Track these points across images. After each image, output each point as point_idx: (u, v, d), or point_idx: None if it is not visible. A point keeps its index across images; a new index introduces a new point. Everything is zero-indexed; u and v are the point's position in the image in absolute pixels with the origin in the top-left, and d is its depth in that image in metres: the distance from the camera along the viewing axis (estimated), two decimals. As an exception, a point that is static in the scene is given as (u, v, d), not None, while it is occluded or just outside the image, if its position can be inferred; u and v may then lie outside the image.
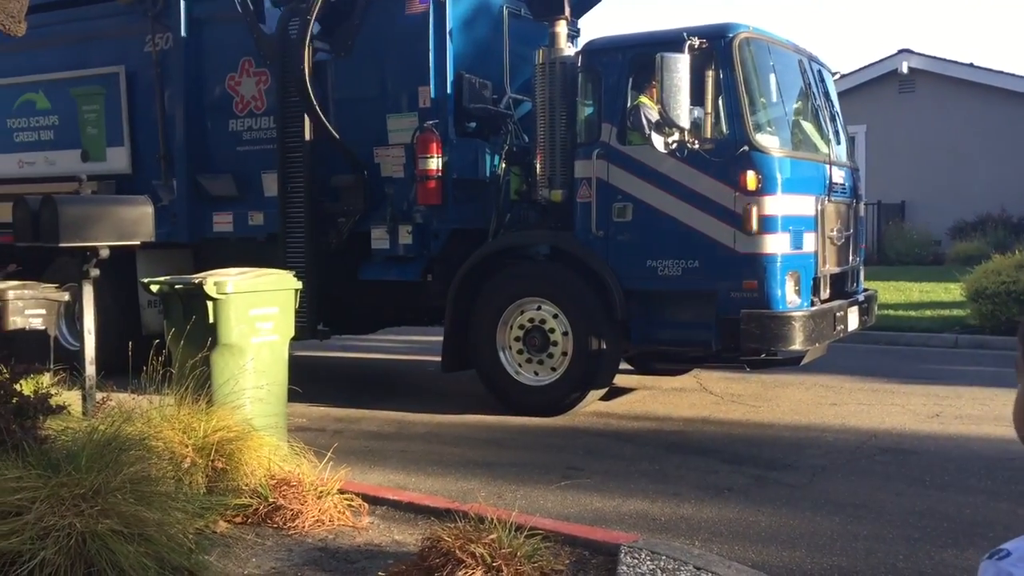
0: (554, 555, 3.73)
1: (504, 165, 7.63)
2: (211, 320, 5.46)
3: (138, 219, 5.13)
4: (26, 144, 9.29)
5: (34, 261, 8.18)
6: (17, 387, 4.15)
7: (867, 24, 45.90)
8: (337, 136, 7.63)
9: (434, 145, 7.34)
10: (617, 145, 6.80)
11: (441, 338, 7.48)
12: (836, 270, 7.14)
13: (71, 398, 4.83)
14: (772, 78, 7.02)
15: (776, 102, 7.10)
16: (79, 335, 8.86)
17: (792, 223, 6.48)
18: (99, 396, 4.86)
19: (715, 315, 6.49)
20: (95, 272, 5.07)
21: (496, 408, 7.14)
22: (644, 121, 6.63)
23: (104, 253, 5.01)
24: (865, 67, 20.28)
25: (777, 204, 6.36)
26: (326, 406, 7.30)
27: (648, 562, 3.71)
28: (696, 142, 6.47)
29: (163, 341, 5.58)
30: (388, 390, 8.52)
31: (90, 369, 5.09)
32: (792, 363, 7.22)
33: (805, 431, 6.52)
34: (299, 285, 6.02)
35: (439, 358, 7.45)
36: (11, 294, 6.69)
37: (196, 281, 5.52)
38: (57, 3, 8.81)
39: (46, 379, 5.59)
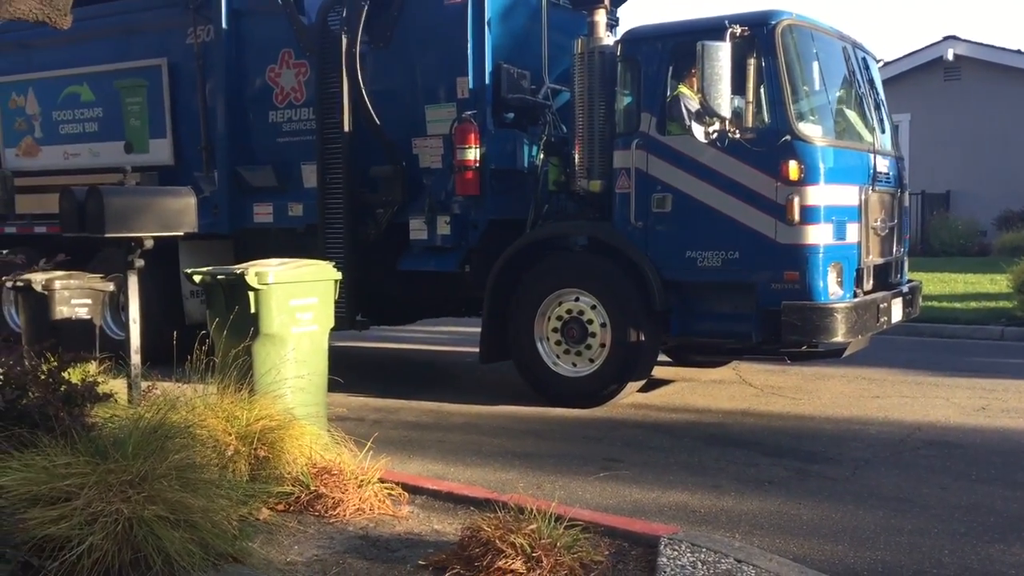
0: (593, 546, 3.74)
1: (542, 155, 7.60)
2: (253, 310, 5.53)
3: (182, 210, 5.20)
4: (71, 136, 9.46)
5: (80, 251, 8.32)
6: (65, 375, 4.23)
7: (912, 10, 45.14)
8: (379, 124, 7.66)
9: (472, 136, 7.35)
10: (656, 135, 6.76)
11: (479, 329, 7.50)
12: (880, 261, 7.04)
13: (117, 386, 4.91)
14: (815, 66, 6.94)
15: (819, 90, 7.01)
16: (124, 324, 9.09)
17: (835, 213, 6.41)
18: (144, 385, 4.93)
19: (756, 306, 6.45)
20: (140, 263, 5.14)
21: (534, 399, 7.15)
22: (684, 111, 6.58)
23: (149, 244, 5.08)
24: (910, 54, 19.97)
25: (819, 194, 6.29)
26: (365, 396, 7.35)
27: (688, 554, 3.70)
28: (737, 131, 6.42)
29: (206, 330, 5.67)
30: (426, 380, 8.57)
31: (135, 358, 5.16)
32: (834, 355, 7.14)
33: (847, 424, 6.45)
34: (339, 276, 6.07)
35: (477, 349, 7.48)
36: (58, 284, 6.85)
37: (238, 272, 5.58)
38: (99, -2, 8.95)
39: (92, 367, 5.71)
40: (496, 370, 7.84)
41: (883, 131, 7.45)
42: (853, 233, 6.60)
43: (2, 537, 2.91)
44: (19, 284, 6.90)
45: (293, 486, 4.36)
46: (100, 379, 4.65)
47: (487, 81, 7.49)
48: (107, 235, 4.90)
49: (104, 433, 4.02)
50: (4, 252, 6.98)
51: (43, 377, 4.09)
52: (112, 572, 3.33)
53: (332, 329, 6.01)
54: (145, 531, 3.40)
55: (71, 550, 3.28)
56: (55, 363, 4.27)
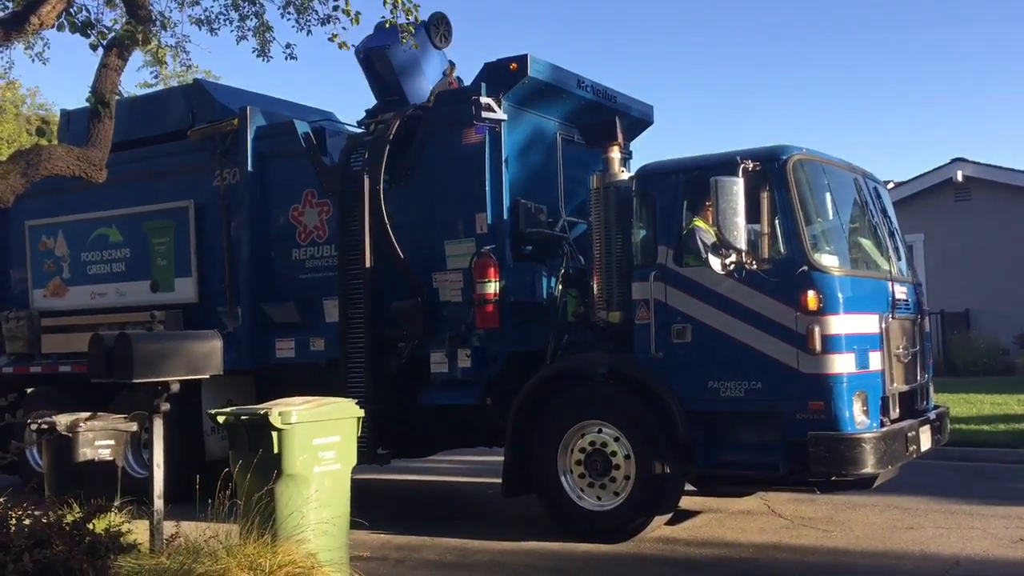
0: None
1: (561, 287, 7.73)
2: (276, 450, 5.54)
3: (208, 353, 5.30)
4: (98, 276, 9.68)
5: (102, 389, 8.40)
6: (89, 526, 4.21)
7: (920, 133, 46.18)
8: (403, 258, 7.85)
9: (491, 270, 7.49)
10: (674, 267, 6.86)
11: (501, 460, 7.44)
12: (905, 388, 7.00)
13: (140, 530, 4.88)
14: (828, 197, 7.08)
15: (833, 221, 7.14)
16: (145, 463, 9.11)
17: (856, 342, 6.41)
18: (168, 530, 4.90)
19: (782, 437, 6.40)
20: (166, 406, 5.19)
21: (559, 533, 7.02)
22: (700, 244, 6.71)
23: (175, 387, 5.16)
24: (920, 176, 20.27)
25: (840, 323, 6.32)
26: (386, 533, 7.24)
27: None
28: (754, 262, 6.52)
29: (227, 467, 5.67)
30: (449, 515, 8.44)
31: (158, 503, 5.15)
32: (864, 485, 6.98)
33: (883, 558, 6.28)
34: (361, 413, 6.10)
35: (500, 480, 7.40)
36: (82, 426, 6.88)
37: (262, 412, 5.62)
38: (129, 142, 9.31)
39: (113, 515, 5.68)
40: (520, 502, 7.72)
41: (899, 258, 7.53)
42: (876, 361, 6.58)
43: None
44: (43, 427, 6.94)
45: (317, 637, 4.26)
46: (123, 527, 4.63)
47: (505, 216, 7.69)
48: (135, 380, 4.97)
49: (127, 584, 3.99)
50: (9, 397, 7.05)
51: (68, 529, 4.07)
52: None
53: (354, 466, 5.99)
54: None
55: None
56: (80, 514, 4.26)
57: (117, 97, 5.38)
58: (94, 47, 5.27)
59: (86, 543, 4.02)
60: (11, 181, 4.44)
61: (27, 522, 4.06)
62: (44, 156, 4.53)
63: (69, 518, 4.18)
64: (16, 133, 26.65)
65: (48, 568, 3.84)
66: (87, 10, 5.13)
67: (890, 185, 20.12)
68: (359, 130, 8.92)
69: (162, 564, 4.17)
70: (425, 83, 8.69)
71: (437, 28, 8.66)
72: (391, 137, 7.97)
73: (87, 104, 5.33)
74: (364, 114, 8.95)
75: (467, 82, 8.27)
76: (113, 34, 5.30)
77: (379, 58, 8.55)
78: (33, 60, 8.28)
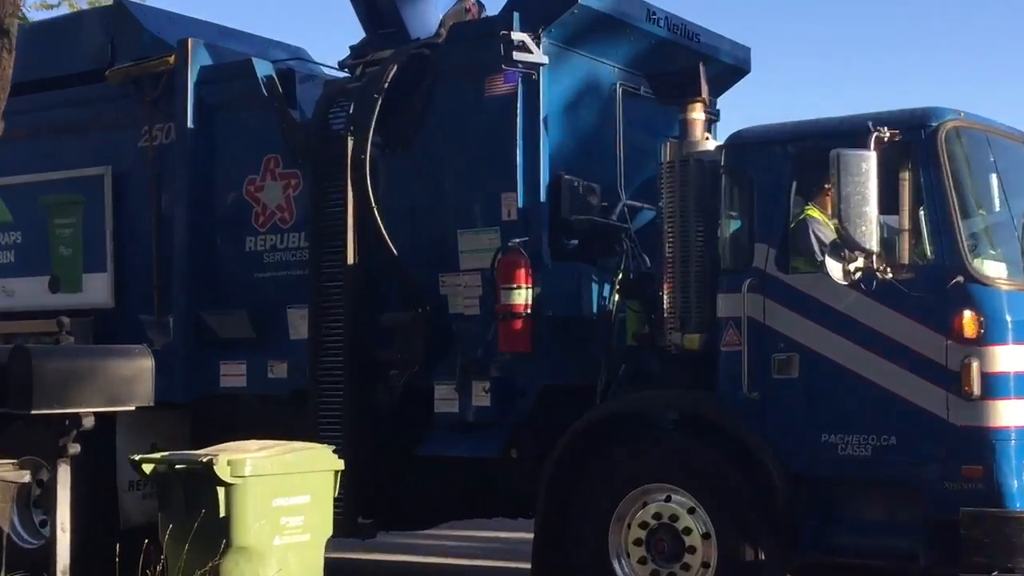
0: None
1: (617, 298, 7.84)
2: (223, 513, 5.74)
3: (134, 377, 5.48)
4: (-23, 269, 9.89)
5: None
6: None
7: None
8: (395, 254, 8.02)
9: (522, 271, 7.62)
10: (776, 273, 6.96)
11: (529, 535, 7.58)
12: (1095, 451, 7.06)
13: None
14: (994, 180, 7.16)
15: (1001, 213, 7.20)
16: (36, 528, 9.30)
17: (1031, 383, 6.49)
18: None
19: (922, 514, 6.48)
20: (75, 448, 5.37)
21: (608, 642, 7.14)
22: (814, 241, 6.81)
23: (88, 422, 5.33)
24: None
25: (1008, 357, 6.39)
26: (370, 634, 7.39)
27: None
28: (888, 269, 6.59)
29: (147, 536, 5.83)
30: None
31: (62, 581, 5.30)
32: (1035, 583, 7.08)
33: None
34: (341, 465, 6.29)
35: (528, 566, 7.54)
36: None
37: (204, 459, 5.81)
38: (22, 85, 9.50)
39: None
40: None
41: (1093, 266, 7.58)
42: (1057, 412, 6.65)
43: None
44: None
45: None
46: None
47: (542, 197, 7.83)
48: (34, 411, 5.14)
49: None
50: None
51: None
52: None
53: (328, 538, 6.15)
54: None
55: None
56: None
57: (20, 23, 5.55)
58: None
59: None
60: None
61: None
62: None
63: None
64: None
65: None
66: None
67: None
68: (341, 74, 9.08)
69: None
70: (432, 10, 8.85)
71: None
72: (386, 84, 8.11)
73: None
74: (348, 52, 9.12)
75: (492, 11, 8.44)
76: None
77: None
78: None
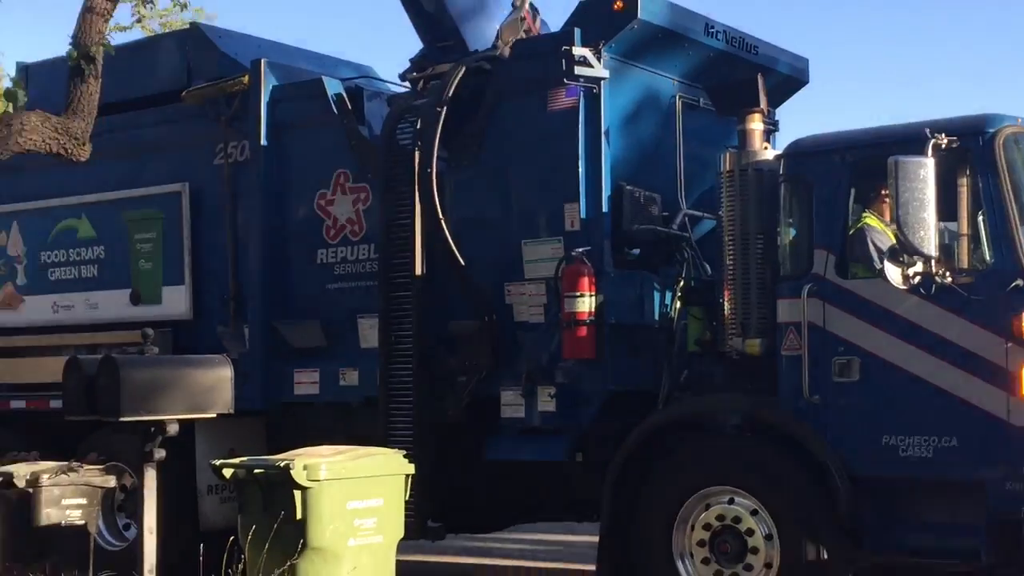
0: None
1: (679, 305, 7.87)
2: (299, 515, 5.83)
3: (215, 385, 5.60)
4: (63, 283, 10.11)
5: (68, 431, 8.79)
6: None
7: None
8: (463, 264, 8.08)
9: (585, 280, 7.66)
10: (836, 279, 6.96)
11: (594, 538, 7.63)
12: None
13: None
14: (1052, 184, 7.10)
15: (1059, 218, 7.15)
16: (120, 531, 9.48)
17: (1091, 386, 6.44)
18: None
19: (985, 515, 6.45)
20: (160, 453, 5.49)
21: (673, 641, 7.15)
22: (872, 248, 6.82)
23: (173, 429, 5.45)
24: None
25: (1066, 358, 6.35)
26: (441, 634, 7.46)
27: None
28: (948, 273, 6.58)
29: (227, 537, 5.93)
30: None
31: (150, 579, 5.42)
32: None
33: None
34: (411, 469, 6.37)
35: (593, 567, 7.58)
36: (45, 479, 7.22)
37: (281, 464, 5.91)
38: (104, 107, 9.69)
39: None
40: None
41: None
42: (1120, 414, 6.59)
43: None
44: (-2, 479, 7.30)
45: None
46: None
47: (605, 208, 7.87)
48: (123, 418, 5.27)
49: None
50: None
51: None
52: None
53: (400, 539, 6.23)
54: None
55: None
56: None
57: (105, 50, 5.71)
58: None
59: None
60: (-26, 159, 4.77)
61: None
62: (16, 127, 4.86)
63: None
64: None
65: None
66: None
67: None
68: (402, 88, 9.14)
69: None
70: (489, 22, 8.83)
71: None
72: (448, 97, 8.18)
73: (64, 57, 5.62)
74: (408, 65, 9.14)
75: (553, 26, 8.48)
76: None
77: None
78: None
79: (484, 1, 8.92)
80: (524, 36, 8.45)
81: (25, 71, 10.62)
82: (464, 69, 8.31)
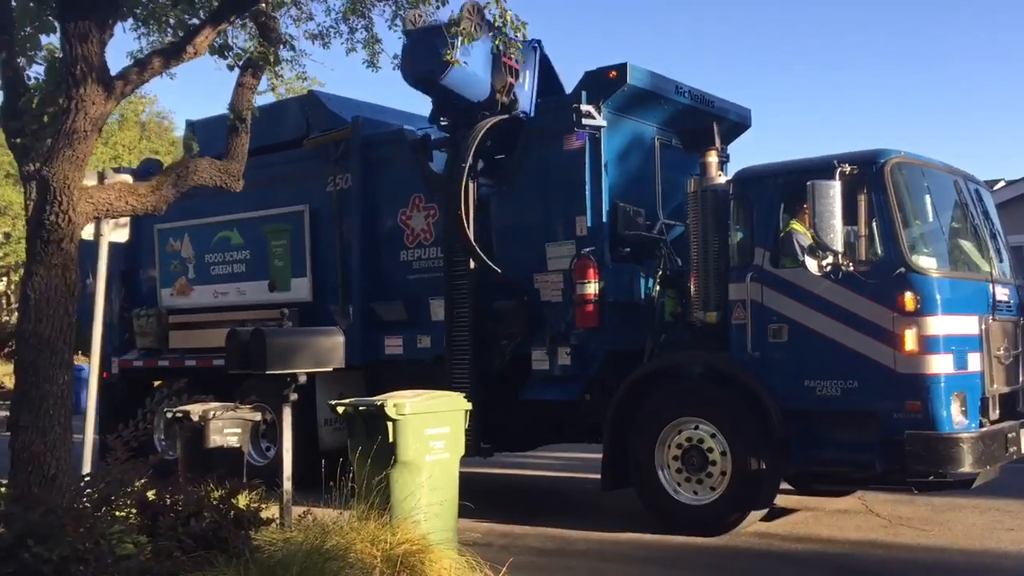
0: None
1: (659, 288, 7.94)
2: (391, 439, 5.95)
3: (332, 348, 5.76)
4: (221, 277, 10.34)
5: (225, 382, 9.02)
6: (233, 501, 4.70)
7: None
8: (496, 268, 8.21)
9: (591, 271, 7.79)
10: (770, 268, 7.03)
11: (599, 455, 7.74)
12: (1005, 390, 7.02)
13: (268, 511, 5.35)
14: (927, 199, 7.16)
15: (932, 223, 7.20)
16: (263, 452, 9.71)
17: (955, 343, 6.50)
18: (298, 511, 5.35)
19: (879, 436, 6.52)
20: (294, 396, 5.66)
21: (656, 526, 7.28)
22: (797, 247, 6.88)
23: (303, 379, 5.62)
24: (1032, 173, 19.62)
25: (937, 324, 6.42)
26: (491, 521, 7.61)
27: None
28: (851, 264, 6.65)
29: (339, 457, 6.09)
30: (549, 506, 8.78)
31: (287, 485, 5.62)
32: (963, 486, 7.05)
33: (980, 556, 6.35)
34: (469, 406, 6.48)
35: (598, 475, 7.70)
36: (212, 415, 7.46)
37: (378, 403, 6.05)
38: (249, 151, 9.89)
39: (245, 496, 6.20)
40: (617, 496, 7.98)
41: (1001, 260, 7.52)
42: (975, 362, 6.64)
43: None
44: (178, 415, 7.54)
45: (435, 608, 4.65)
46: (263, 505, 5.11)
47: (604, 219, 7.97)
48: (268, 372, 5.46)
49: (264, 555, 4.45)
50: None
51: (215, 503, 4.57)
52: None
53: (462, 456, 6.37)
54: (310, 646, 3.76)
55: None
56: (223, 491, 4.75)
57: (252, 112, 5.88)
58: (231, 68, 5.79)
59: (231, 516, 4.50)
60: (164, 192, 4.96)
61: (179, 498, 4.56)
62: (191, 169, 5.06)
63: (215, 495, 4.67)
64: (135, 140, 28.08)
65: (200, 535, 4.33)
66: (223, 34, 5.64)
67: (1000, 184, 19.61)
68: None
69: (296, 538, 4.62)
70: (484, 81, 8.09)
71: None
72: (476, 145, 8.07)
73: (219, 116, 5.85)
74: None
75: (561, 70, 8.58)
76: (247, 55, 5.79)
77: (430, 84, 8.05)
78: (161, 75, 8.91)
79: (476, 71, 7.99)
80: (511, 77, 8.08)
81: (192, 126, 10.82)
82: (489, 124, 8.10)
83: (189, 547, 4.15)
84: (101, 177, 6.86)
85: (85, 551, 3.20)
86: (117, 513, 4.05)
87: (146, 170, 10.92)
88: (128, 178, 6.81)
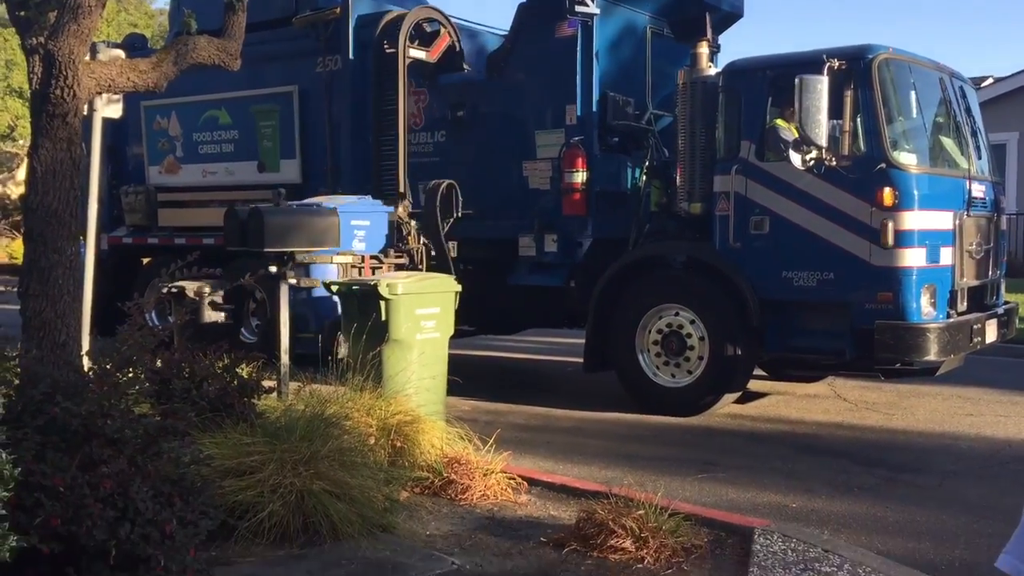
0: (694, 533, 4.27)
1: (645, 178, 8.14)
2: (384, 318, 6.19)
3: (327, 228, 5.93)
4: (209, 156, 10.39)
5: (214, 261, 9.17)
6: (237, 370, 4.98)
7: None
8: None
9: (580, 160, 7.95)
10: (755, 161, 7.20)
11: (582, 340, 8.05)
12: (974, 283, 7.34)
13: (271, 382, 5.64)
14: (912, 96, 7.30)
15: (915, 119, 7.37)
16: (253, 330, 9.95)
17: (929, 237, 6.76)
18: (294, 385, 5.64)
19: (850, 325, 6.83)
20: (290, 275, 5.86)
21: (635, 407, 7.67)
22: (780, 142, 7.01)
23: (300, 258, 5.81)
24: (1018, 73, 19.70)
25: (914, 219, 6.66)
26: (477, 400, 7.98)
27: (780, 543, 4.20)
28: (833, 159, 6.83)
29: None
30: (533, 387, 9.17)
31: (284, 358, 5.88)
32: (928, 374, 7.44)
33: (938, 438, 6.80)
34: (459, 288, 6.71)
35: (580, 359, 8.03)
36: (206, 291, 7.68)
37: (372, 283, 6.28)
38: (237, 27, 9.82)
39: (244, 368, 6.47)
40: (598, 379, 8.37)
41: (980, 157, 7.74)
42: (947, 256, 6.92)
43: (208, 499, 3.61)
44: (174, 291, 7.76)
45: (427, 472, 5.01)
46: (257, 376, 5.38)
47: (594, 108, 8.09)
48: (266, 250, 5.65)
49: (268, 421, 4.75)
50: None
51: (220, 372, 4.84)
52: (288, 534, 4.04)
53: (451, 336, 6.65)
54: (314, 502, 4.11)
55: (256, 514, 4.01)
56: (227, 361, 5.01)
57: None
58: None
59: (235, 384, 4.78)
60: (164, 69, 5.02)
61: (184, 366, 4.83)
62: (191, 47, 5.10)
63: (220, 364, 4.93)
64: (113, 12, 27.50)
65: (211, 400, 4.62)
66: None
67: (988, 81, 19.68)
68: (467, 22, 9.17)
69: (296, 407, 4.93)
70: None
71: None
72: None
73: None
74: None
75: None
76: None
77: None
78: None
79: None
80: None
81: (178, 1, 10.65)
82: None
83: (203, 408, 4.45)
84: (93, 51, 6.85)
85: (110, 406, 3.45)
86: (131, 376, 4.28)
87: (131, 44, 10.84)
88: (121, 53, 6.82)
